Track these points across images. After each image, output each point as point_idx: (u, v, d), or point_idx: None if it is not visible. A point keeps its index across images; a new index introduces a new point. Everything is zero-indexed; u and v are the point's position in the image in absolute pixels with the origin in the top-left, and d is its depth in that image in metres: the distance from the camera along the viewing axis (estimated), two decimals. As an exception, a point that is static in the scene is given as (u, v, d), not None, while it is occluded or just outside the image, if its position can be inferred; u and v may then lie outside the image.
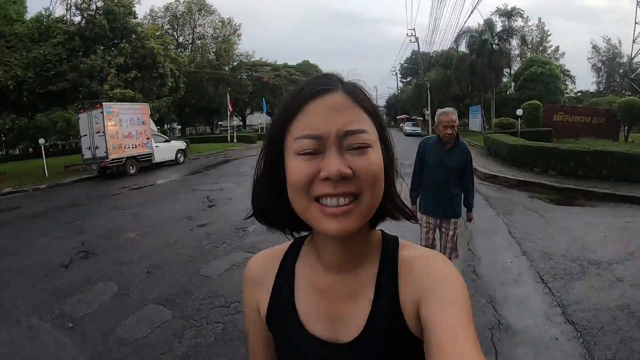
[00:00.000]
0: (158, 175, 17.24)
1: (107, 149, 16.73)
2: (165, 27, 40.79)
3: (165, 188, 13.93)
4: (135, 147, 18.26)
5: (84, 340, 3.91)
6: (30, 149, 36.27)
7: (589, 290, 4.64)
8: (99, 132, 17.01)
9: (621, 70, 50.10)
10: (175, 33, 43.50)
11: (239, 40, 48.44)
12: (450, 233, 4.26)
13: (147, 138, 18.98)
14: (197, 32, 46.98)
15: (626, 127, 27.05)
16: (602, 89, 57.24)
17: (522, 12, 35.29)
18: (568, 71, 64.02)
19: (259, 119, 53.27)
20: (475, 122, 35.77)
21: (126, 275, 5.46)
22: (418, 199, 4.39)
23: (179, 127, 52.89)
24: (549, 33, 72.24)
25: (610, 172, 11.86)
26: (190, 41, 45.82)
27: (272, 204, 0.78)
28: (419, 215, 4.34)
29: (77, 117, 18.48)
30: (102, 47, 21.60)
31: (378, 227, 0.85)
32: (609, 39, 60.73)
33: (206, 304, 4.53)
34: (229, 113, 37.50)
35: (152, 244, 7.00)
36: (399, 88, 75.55)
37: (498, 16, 33.85)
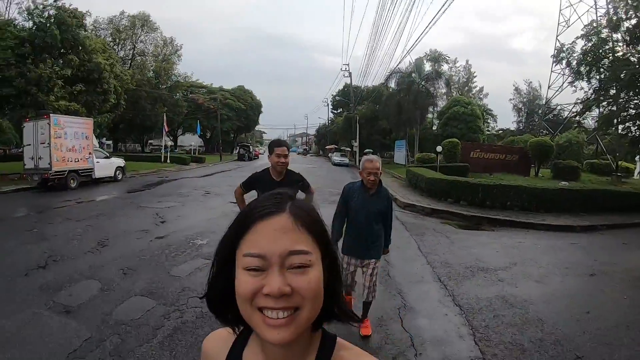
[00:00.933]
0: (99, 191, 17.49)
1: (50, 161, 16.81)
2: (107, 39, 40.40)
3: (112, 204, 14.29)
4: (78, 161, 18.37)
5: (86, 321, 4.71)
6: None
7: (474, 287, 6.37)
8: (43, 142, 17.02)
9: (540, 111, 54.21)
10: (116, 47, 43.10)
11: (179, 60, 48.43)
12: (370, 271, 4.50)
13: (90, 153, 19.12)
14: (138, 48, 46.52)
15: (537, 164, 30.03)
16: (522, 128, 61.32)
17: (447, 57, 38.53)
18: (490, 110, 68.57)
19: (191, 141, 53.17)
20: (400, 155, 37.94)
21: (105, 275, 6.29)
22: (340, 241, 4.57)
23: (110, 143, 51.76)
24: (474, 74, 77.03)
25: (513, 203, 13.97)
26: (130, 57, 45.48)
27: (223, 301, 0.84)
28: (340, 255, 4.91)
29: (23, 125, 18.31)
30: (51, 57, 21.51)
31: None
32: (530, 82, 65.81)
33: (183, 295, 5.56)
34: (164, 133, 37.77)
35: (119, 251, 7.72)
36: (330, 119, 77.75)
37: (426, 60, 36.70)
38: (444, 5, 19.30)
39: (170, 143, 51.84)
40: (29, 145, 17.54)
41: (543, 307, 5.67)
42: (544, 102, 51.51)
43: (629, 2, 18.31)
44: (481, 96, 76.21)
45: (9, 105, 22.07)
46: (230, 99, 59.87)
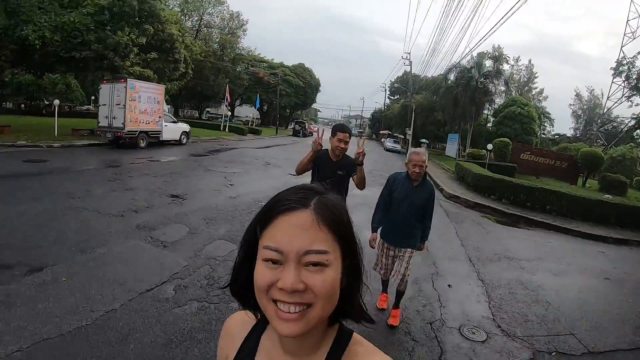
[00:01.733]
0: (167, 152, 19.00)
1: (124, 121, 18.27)
2: (176, 9, 42.01)
3: (181, 165, 15.67)
4: (149, 123, 19.94)
5: (181, 254, 6.01)
6: (23, 105, 37.22)
7: (498, 269, 7.49)
8: (119, 104, 18.51)
9: (599, 121, 53.03)
10: (184, 17, 44.85)
11: (244, 34, 50.01)
12: (405, 260, 4.64)
13: (159, 117, 20.71)
14: (205, 19, 48.18)
15: (585, 174, 30.02)
16: (578, 135, 60.08)
17: (508, 57, 38.38)
18: (549, 114, 67.39)
19: (248, 112, 54.59)
20: (451, 148, 38.30)
21: (190, 222, 7.63)
22: (379, 229, 4.83)
23: (171, 107, 53.93)
24: (536, 75, 75.73)
25: (552, 207, 14.62)
26: (196, 28, 47.20)
27: (247, 286, 0.86)
28: (379, 240, 4.85)
29: (99, 87, 19.87)
30: (128, 26, 22.77)
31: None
32: (593, 89, 64.23)
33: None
34: (225, 103, 39.37)
35: (197, 204, 9.07)
36: (386, 104, 77.84)
37: (487, 58, 36.83)
38: (512, 7, 19.61)
39: (228, 113, 53.84)
40: (105, 105, 19.20)
41: (552, 293, 6.66)
42: (602, 111, 50.40)
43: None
44: (540, 98, 74.93)
45: (85, 67, 23.40)
46: (290, 75, 61.17)
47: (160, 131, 20.96)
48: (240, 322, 1.01)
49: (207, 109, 63.86)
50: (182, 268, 5.51)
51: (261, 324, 0.96)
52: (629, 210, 15.09)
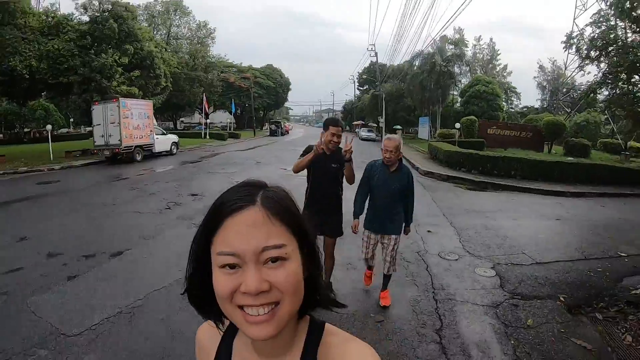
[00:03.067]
0: (164, 162, 20.40)
1: (121, 138, 19.56)
2: (143, 25, 43.03)
3: (183, 171, 17.13)
4: (142, 137, 21.29)
5: None
6: (1, 135, 37.34)
7: (467, 219, 9.50)
8: (113, 122, 19.75)
9: (564, 90, 55.28)
10: (153, 31, 45.95)
11: (212, 43, 51.27)
12: (390, 247, 4.77)
13: (151, 130, 22.08)
14: (173, 32, 49.34)
15: (550, 142, 32.23)
16: (545, 106, 61.74)
17: (467, 41, 40.53)
18: (514, 88, 69.88)
19: (221, 118, 55.68)
20: (423, 131, 40.38)
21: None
22: (361, 216, 4.89)
23: (149, 120, 54.64)
24: (498, 52, 77.81)
25: (517, 172, 16.61)
26: (165, 41, 48.34)
27: (204, 296, 0.82)
28: (362, 230, 4.95)
29: (92, 108, 20.99)
30: (110, 47, 23.87)
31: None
32: (555, 60, 66.17)
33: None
34: (204, 111, 40.73)
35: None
36: (356, 96, 79.61)
37: (448, 43, 38.90)
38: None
39: (207, 121, 55.02)
40: (99, 125, 20.40)
41: (510, 231, 8.60)
42: (563, 81, 52.52)
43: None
44: (504, 74, 77.42)
45: (70, 91, 24.70)
46: (260, 77, 62.72)
47: (152, 144, 22.34)
48: (209, 331, 0.96)
49: (181, 119, 64.87)
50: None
51: (231, 329, 0.92)
52: (584, 167, 17.27)
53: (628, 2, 20.00)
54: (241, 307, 0.75)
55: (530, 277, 6.14)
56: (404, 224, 4.89)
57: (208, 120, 41.42)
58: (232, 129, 50.78)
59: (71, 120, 45.28)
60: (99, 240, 7.25)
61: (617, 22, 21.66)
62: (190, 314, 3.62)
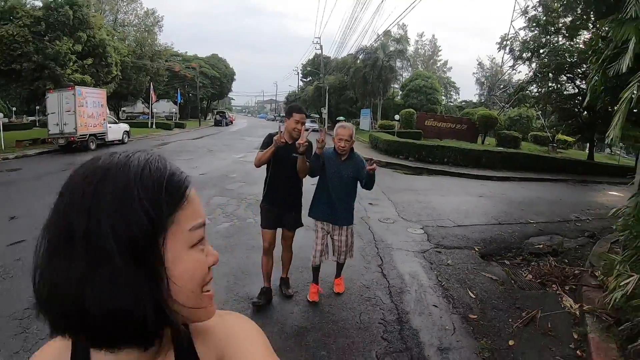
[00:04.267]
0: (120, 151, 20.87)
1: (76, 126, 19.83)
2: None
3: None
4: (95, 126, 21.61)
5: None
6: None
7: (402, 195, 11.06)
8: (69, 110, 19.92)
9: (501, 86, 58.35)
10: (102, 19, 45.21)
11: (160, 31, 50.80)
12: (343, 239, 4.64)
13: (104, 119, 22.41)
14: (119, 18, 48.63)
15: (483, 134, 34.76)
16: (483, 101, 65.01)
17: (409, 39, 42.66)
18: (454, 83, 73.47)
19: (164, 108, 55.43)
20: (365, 122, 42.13)
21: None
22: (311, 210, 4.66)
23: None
24: (440, 48, 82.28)
25: (449, 160, 18.50)
26: (112, 27, 47.65)
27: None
28: (314, 221, 4.67)
29: (47, 96, 20.98)
30: (64, 35, 23.84)
31: None
32: (494, 57, 69.84)
33: (241, 194, 9.87)
34: (151, 101, 40.95)
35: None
36: (300, 87, 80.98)
37: (391, 40, 40.89)
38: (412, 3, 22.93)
39: (154, 110, 54.62)
40: (54, 113, 20.44)
41: (438, 204, 10.31)
42: (499, 78, 55.68)
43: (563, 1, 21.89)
44: (445, 69, 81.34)
45: (20, 79, 24.14)
46: (205, 67, 62.65)
47: (105, 132, 22.65)
48: (52, 354, 0.73)
49: (122, 109, 63.94)
50: (205, 209, 8.45)
51: (80, 352, 0.69)
52: (509, 155, 19.49)
53: (544, 18, 22.10)
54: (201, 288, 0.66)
55: (451, 235, 7.77)
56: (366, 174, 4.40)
57: (155, 110, 41.46)
58: (176, 118, 50.87)
59: (13, 109, 44.15)
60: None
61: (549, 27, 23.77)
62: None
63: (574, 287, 5.60)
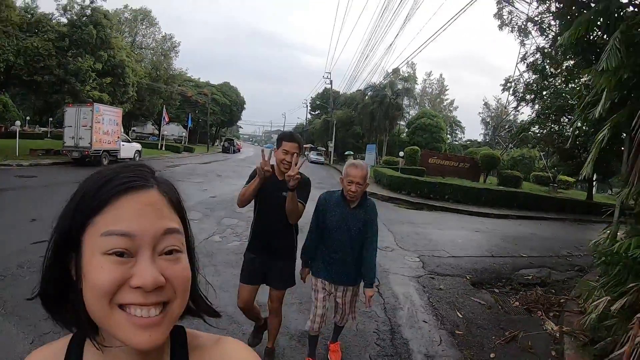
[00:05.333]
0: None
1: (91, 141, 20.46)
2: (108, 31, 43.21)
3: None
4: (110, 143, 22.26)
5: (210, 224, 9.47)
6: None
7: (402, 227, 11.54)
8: (85, 125, 20.55)
9: (507, 126, 59.01)
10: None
11: (176, 56, 51.94)
12: (348, 300, 3.79)
13: (118, 137, 23.12)
14: (137, 41, 49.67)
15: (485, 173, 35.12)
16: (487, 140, 64.89)
17: (416, 78, 43.75)
18: (459, 122, 74.24)
19: (173, 131, 56.30)
20: (370, 157, 42.74)
21: (200, 210, 11.09)
22: (310, 262, 3.81)
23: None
24: (447, 87, 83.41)
25: (450, 196, 19.00)
26: (130, 49, 48.69)
27: (60, 298, 0.70)
28: (312, 279, 3.79)
29: (65, 110, 21.68)
30: (87, 53, 24.59)
31: None
32: (500, 98, 70.59)
33: (250, 219, 10.42)
34: (164, 123, 41.81)
35: (195, 200, 12.37)
36: (307, 119, 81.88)
37: (399, 79, 42.05)
38: (430, 37, 23.72)
39: (157, 132, 55.39)
40: (70, 126, 21.09)
41: (435, 237, 10.85)
42: (503, 118, 56.53)
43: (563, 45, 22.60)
44: (451, 108, 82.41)
45: (40, 90, 25.09)
46: (217, 94, 63.66)
47: (118, 150, 23.29)
48: (45, 357, 0.76)
49: (133, 128, 64.80)
50: (217, 228, 9.02)
51: (75, 348, 0.74)
52: (506, 194, 20.01)
53: (542, 64, 22.78)
54: (122, 308, 0.63)
55: (445, 264, 8.29)
56: (363, 281, 3.72)
57: (171, 133, 42.25)
58: (185, 142, 51.68)
59: (27, 118, 45.00)
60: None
61: (551, 70, 24.39)
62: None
63: (557, 313, 6.08)
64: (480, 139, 70.39)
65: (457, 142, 69.33)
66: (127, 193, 0.65)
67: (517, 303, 6.50)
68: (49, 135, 36.39)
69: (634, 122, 4.16)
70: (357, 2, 40.29)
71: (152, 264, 0.63)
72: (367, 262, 3.62)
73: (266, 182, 3.36)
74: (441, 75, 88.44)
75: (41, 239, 6.80)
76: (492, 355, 4.62)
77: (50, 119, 43.16)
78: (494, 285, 7.40)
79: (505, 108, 51.64)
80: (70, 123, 21.31)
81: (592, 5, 5.37)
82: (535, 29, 13.20)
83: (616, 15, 5.25)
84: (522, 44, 13.12)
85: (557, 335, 5.23)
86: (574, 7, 7.17)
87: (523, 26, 13.69)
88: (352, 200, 3.54)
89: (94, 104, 21.33)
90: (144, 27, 50.98)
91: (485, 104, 73.95)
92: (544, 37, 13.10)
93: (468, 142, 66.36)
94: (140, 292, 0.62)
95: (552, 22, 11.42)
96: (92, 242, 0.64)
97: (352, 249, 3.59)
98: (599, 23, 5.50)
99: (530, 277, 8.06)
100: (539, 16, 11.63)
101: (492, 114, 71.51)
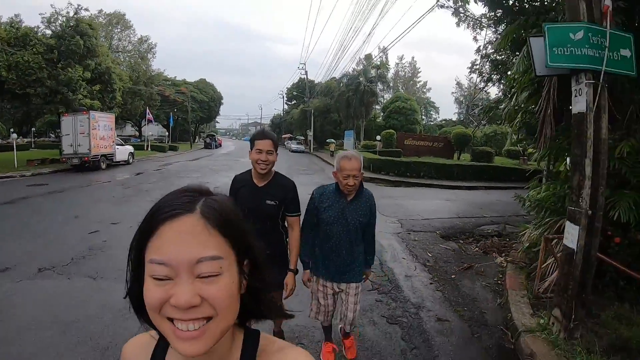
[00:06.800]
0: (130, 170, 22.95)
1: (90, 147, 21.68)
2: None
3: (156, 175, 20.03)
4: (106, 147, 23.61)
5: None
6: None
7: (382, 201, 13.34)
8: (83, 133, 21.75)
9: (479, 105, 60.59)
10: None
11: (153, 57, 52.63)
12: (351, 299, 3.53)
13: (112, 141, 24.53)
14: (113, 45, 49.98)
15: (459, 150, 37.11)
16: (462, 119, 65.26)
17: (388, 66, 45.60)
18: (433, 103, 75.39)
19: (152, 131, 57.28)
20: (348, 143, 44.03)
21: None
22: (310, 261, 3.58)
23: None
24: (419, 70, 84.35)
25: (425, 173, 21.01)
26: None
27: (143, 305, 0.76)
28: (312, 278, 3.62)
29: (62, 119, 22.89)
30: (76, 62, 25.46)
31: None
32: (472, 77, 72.46)
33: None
34: (145, 124, 42.99)
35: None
36: (285, 110, 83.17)
37: (372, 66, 43.85)
38: (405, 31, 25.28)
39: (136, 133, 56.39)
40: (68, 134, 22.24)
41: (411, 206, 12.92)
42: (475, 97, 58.38)
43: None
44: (424, 90, 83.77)
45: (30, 102, 25.68)
46: (194, 91, 64.68)
47: (114, 153, 24.71)
48: (139, 345, 0.92)
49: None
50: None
51: (163, 342, 0.87)
52: (479, 168, 22.05)
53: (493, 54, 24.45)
54: (171, 320, 0.72)
55: (419, 224, 10.33)
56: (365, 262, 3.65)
57: (150, 133, 43.36)
58: (167, 141, 52.74)
59: (12, 130, 45.73)
60: (135, 214, 10.33)
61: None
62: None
63: (507, 253, 8.02)
64: (455, 117, 71.32)
65: (432, 123, 70.16)
66: (168, 221, 0.72)
67: (477, 249, 8.44)
68: (33, 146, 37.21)
69: (538, 107, 6.01)
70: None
71: (188, 286, 0.70)
72: (371, 246, 3.64)
73: (244, 192, 3.25)
74: (413, 58, 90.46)
75: (91, 230, 8.74)
76: (453, 276, 6.58)
77: (33, 129, 43.88)
78: (459, 237, 9.33)
79: (475, 87, 53.73)
80: (68, 131, 22.39)
81: (521, 17, 7.13)
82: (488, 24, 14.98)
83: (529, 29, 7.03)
84: (475, 39, 14.95)
85: (504, 264, 7.18)
86: (508, 16, 8.98)
87: (477, 23, 15.52)
88: (349, 194, 3.38)
89: (90, 111, 22.46)
90: (118, 30, 51.49)
91: (458, 83, 75.64)
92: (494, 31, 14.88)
93: (443, 122, 67.31)
94: (179, 309, 0.70)
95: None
96: (146, 265, 0.73)
97: (351, 243, 3.41)
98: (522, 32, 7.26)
99: (489, 231, 10.02)
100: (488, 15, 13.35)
101: (465, 93, 72.05)
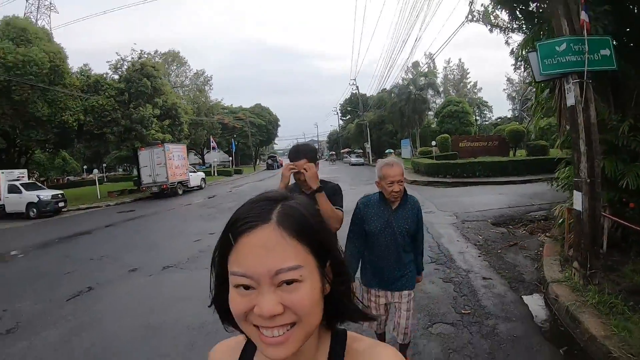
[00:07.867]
0: (205, 194, 25.05)
1: (167, 176, 24.29)
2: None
3: (230, 197, 21.87)
4: (181, 175, 26.24)
5: None
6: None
7: (442, 200, 14.80)
8: (160, 163, 24.44)
9: (531, 99, 58.89)
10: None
11: (210, 89, 56.11)
12: (404, 307, 3.40)
13: (186, 169, 27.14)
14: (171, 81, 52.46)
15: (514, 147, 36.92)
16: (517, 115, 64.01)
17: (436, 71, 46.36)
18: (486, 102, 73.68)
19: (213, 158, 60.12)
20: (406, 151, 45.35)
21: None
22: (358, 270, 3.51)
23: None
24: (468, 71, 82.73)
25: (480, 172, 21.87)
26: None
27: (228, 311, 0.78)
28: (360, 288, 3.55)
29: (139, 153, 25.80)
30: (146, 102, 27.81)
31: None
32: (521, 70, 70.89)
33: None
34: (209, 151, 45.57)
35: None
36: (340, 125, 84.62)
37: (420, 76, 44.83)
38: (450, 37, 26.63)
39: (199, 160, 59.46)
40: (146, 166, 25.20)
41: (466, 202, 14.03)
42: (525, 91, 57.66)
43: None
44: (475, 90, 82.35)
45: (110, 141, 28.09)
46: (252, 116, 67.56)
47: (188, 180, 27.29)
48: (226, 348, 0.96)
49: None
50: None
51: (250, 345, 0.90)
52: (529, 162, 22.70)
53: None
54: (257, 326, 0.73)
55: (473, 215, 11.53)
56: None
57: (215, 160, 45.97)
58: (232, 166, 55.42)
59: (85, 167, 49.37)
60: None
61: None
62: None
63: (550, 232, 9.07)
64: (510, 114, 69.89)
65: (487, 122, 69.52)
66: (244, 235, 0.73)
67: (524, 231, 9.53)
68: (105, 180, 40.25)
69: (553, 102, 7.13)
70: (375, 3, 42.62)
71: (270, 296, 0.71)
72: (418, 254, 3.53)
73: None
74: (460, 59, 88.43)
75: (195, 239, 10.52)
76: (499, 251, 7.82)
77: (104, 164, 47.17)
78: (509, 223, 10.41)
79: (524, 82, 53.33)
80: (146, 163, 25.24)
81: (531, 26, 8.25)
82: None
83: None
84: (507, 43, 15.79)
85: (544, 240, 8.29)
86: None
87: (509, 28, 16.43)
88: (394, 202, 3.29)
89: (164, 144, 25.01)
90: (174, 67, 54.78)
91: (508, 79, 73.43)
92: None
93: (498, 120, 66.47)
94: (263, 317, 0.71)
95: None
96: (230, 276, 0.74)
97: (398, 252, 3.30)
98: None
99: (537, 216, 11.03)
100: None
101: (517, 88, 69.72)
